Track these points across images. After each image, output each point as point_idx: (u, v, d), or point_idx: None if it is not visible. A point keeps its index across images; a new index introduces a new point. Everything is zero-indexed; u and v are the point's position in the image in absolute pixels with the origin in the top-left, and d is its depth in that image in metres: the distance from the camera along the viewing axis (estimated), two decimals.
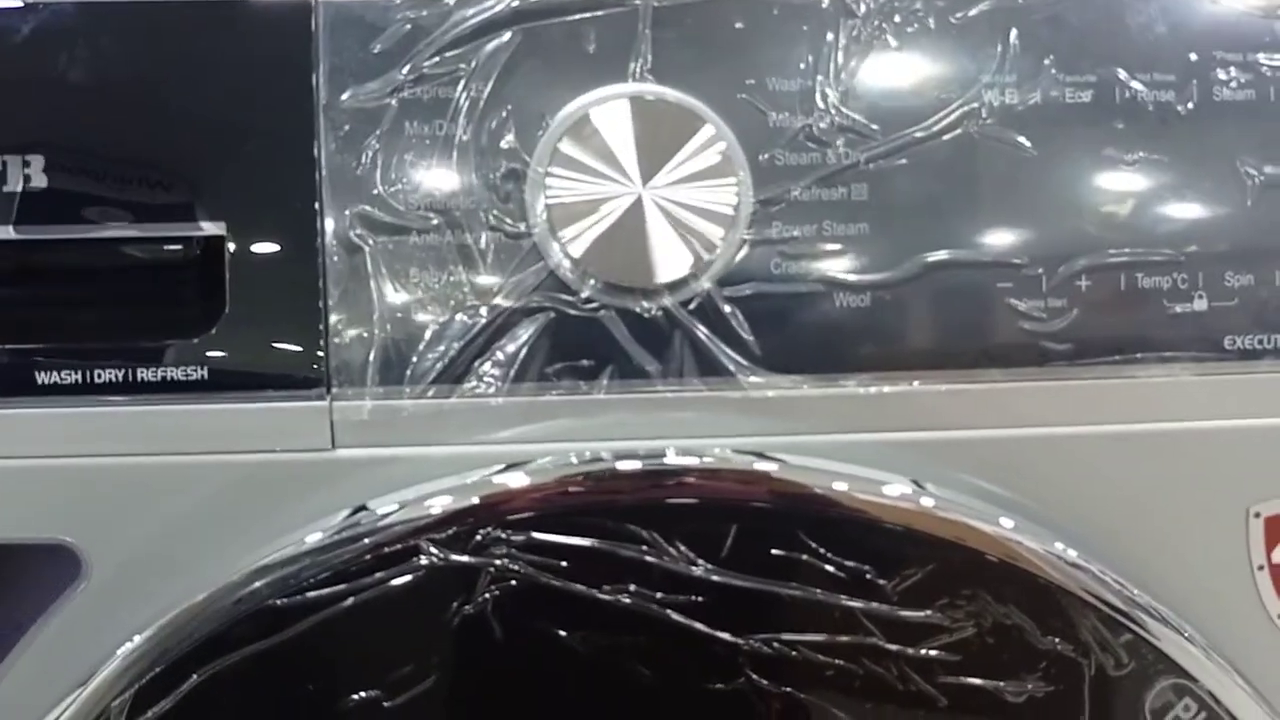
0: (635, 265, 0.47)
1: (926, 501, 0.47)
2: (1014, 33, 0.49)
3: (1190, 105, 0.49)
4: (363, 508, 0.46)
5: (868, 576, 0.46)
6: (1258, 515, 0.50)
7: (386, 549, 0.44)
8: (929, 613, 0.46)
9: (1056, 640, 0.46)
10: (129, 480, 0.46)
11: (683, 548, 0.44)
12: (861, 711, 0.46)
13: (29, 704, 0.46)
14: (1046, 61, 0.49)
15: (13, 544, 0.46)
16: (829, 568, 0.45)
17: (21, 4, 0.47)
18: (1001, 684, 0.46)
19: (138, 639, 0.44)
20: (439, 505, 0.44)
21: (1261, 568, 0.51)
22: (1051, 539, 0.48)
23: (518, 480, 0.45)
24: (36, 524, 0.46)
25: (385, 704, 0.45)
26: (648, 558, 0.44)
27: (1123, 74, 0.49)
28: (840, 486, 0.46)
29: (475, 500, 0.45)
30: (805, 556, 0.45)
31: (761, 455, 0.47)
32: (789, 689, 0.46)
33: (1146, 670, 0.47)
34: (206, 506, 0.46)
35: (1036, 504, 0.49)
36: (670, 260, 0.47)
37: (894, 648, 0.46)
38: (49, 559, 0.46)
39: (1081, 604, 0.46)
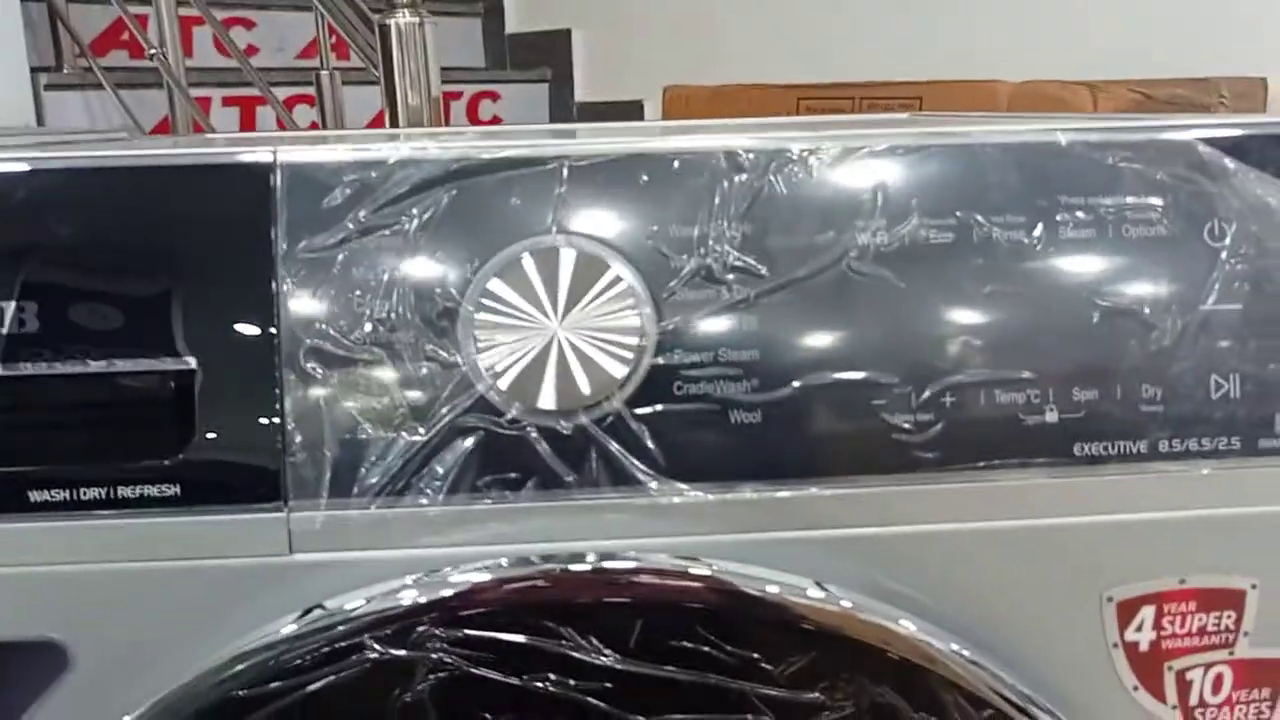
0: (554, 390, 0.53)
1: (846, 604, 0.53)
2: (884, 182, 0.56)
3: (1039, 243, 0.56)
4: (318, 606, 0.52)
5: (760, 664, 0.52)
6: (1110, 599, 0.57)
7: (337, 645, 0.50)
8: (814, 694, 0.52)
9: (928, 716, 0.53)
10: (111, 584, 0.52)
11: (595, 640, 0.51)
12: None
13: None
14: (913, 205, 0.56)
15: (7, 641, 0.52)
16: (724, 656, 0.52)
17: (23, 169, 0.53)
18: None
19: None
20: (382, 605, 0.51)
21: (1116, 645, 0.57)
22: (949, 639, 0.54)
23: (453, 582, 0.51)
24: (29, 623, 0.52)
25: None
26: (569, 652, 0.51)
27: (980, 217, 0.56)
28: (772, 590, 0.53)
29: (414, 601, 0.51)
30: (704, 647, 0.52)
31: (695, 560, 0.53)
32: None
33: None
34: (179, 606, 0.52)
35: (917, 594, 0.55)
36: (585, 385, 0.53)
37: None
38: (39, 654, 0.51)
39: (946, 683, 0.53)
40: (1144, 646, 0.57)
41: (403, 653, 0.50)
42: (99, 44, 2.39)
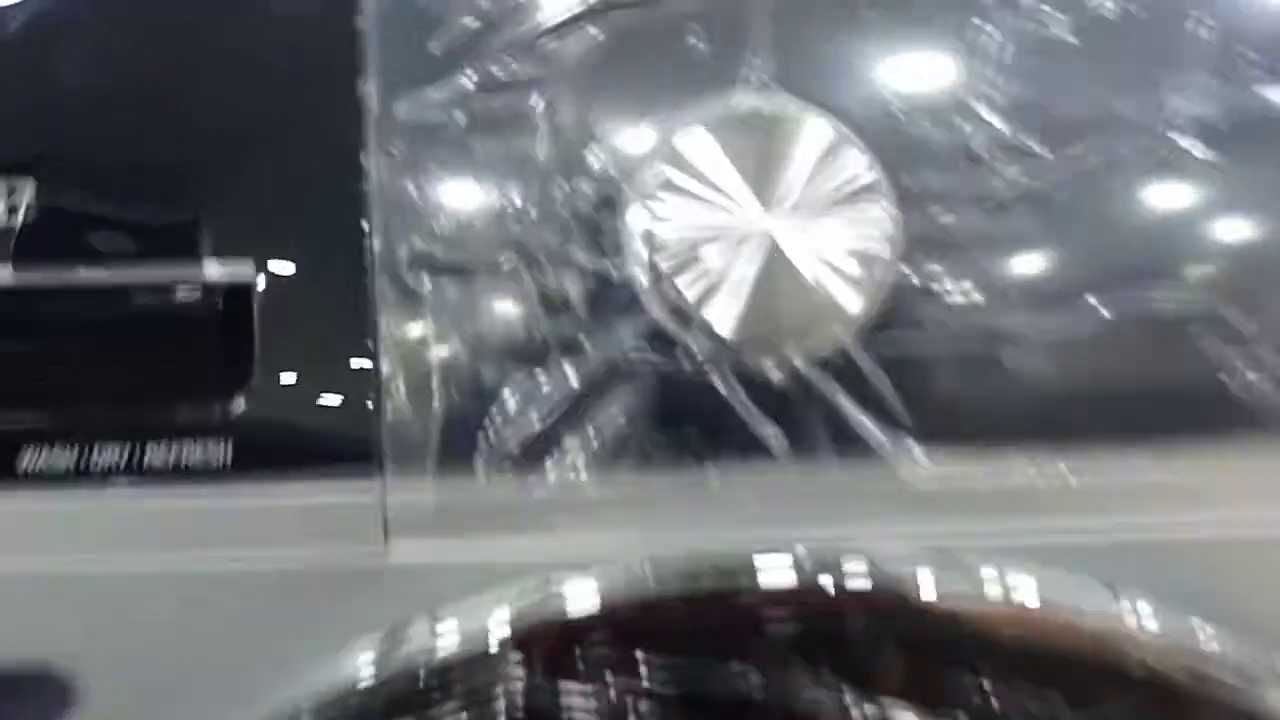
0: (757, 316, 0.41)
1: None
2: (1205, 25, 0.44)
3: None
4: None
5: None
6: None
7: (453, 685, 0.38)
8: None
9: None
10: (132, 590, 0.41)
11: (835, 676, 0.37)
12: None
13: None
14: (1246, 59, 0.43)
15: None
16: (998, 701, 0.39)
17: None
18: None
19: None
20: (513, 625, 0.39)
21: None
22: None
23: (612, 589, 0.40)
24: (17, 644, 0.41)
25: None
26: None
27: None
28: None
29: (560, 618, 0.39)
30: (976, 684, 0.39)
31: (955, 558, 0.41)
32: None
33: None
34: (229, 622, 0.41)
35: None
36: (800, 310, 0.41)
37: None
38: (32, 690, 0.40)
39: None
40: None
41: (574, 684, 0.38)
42: None
